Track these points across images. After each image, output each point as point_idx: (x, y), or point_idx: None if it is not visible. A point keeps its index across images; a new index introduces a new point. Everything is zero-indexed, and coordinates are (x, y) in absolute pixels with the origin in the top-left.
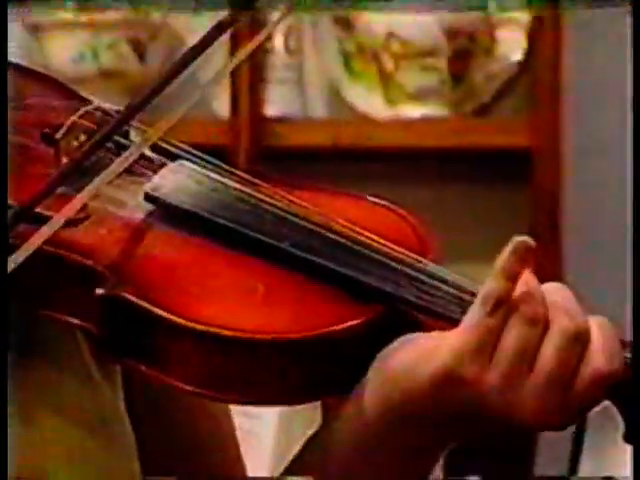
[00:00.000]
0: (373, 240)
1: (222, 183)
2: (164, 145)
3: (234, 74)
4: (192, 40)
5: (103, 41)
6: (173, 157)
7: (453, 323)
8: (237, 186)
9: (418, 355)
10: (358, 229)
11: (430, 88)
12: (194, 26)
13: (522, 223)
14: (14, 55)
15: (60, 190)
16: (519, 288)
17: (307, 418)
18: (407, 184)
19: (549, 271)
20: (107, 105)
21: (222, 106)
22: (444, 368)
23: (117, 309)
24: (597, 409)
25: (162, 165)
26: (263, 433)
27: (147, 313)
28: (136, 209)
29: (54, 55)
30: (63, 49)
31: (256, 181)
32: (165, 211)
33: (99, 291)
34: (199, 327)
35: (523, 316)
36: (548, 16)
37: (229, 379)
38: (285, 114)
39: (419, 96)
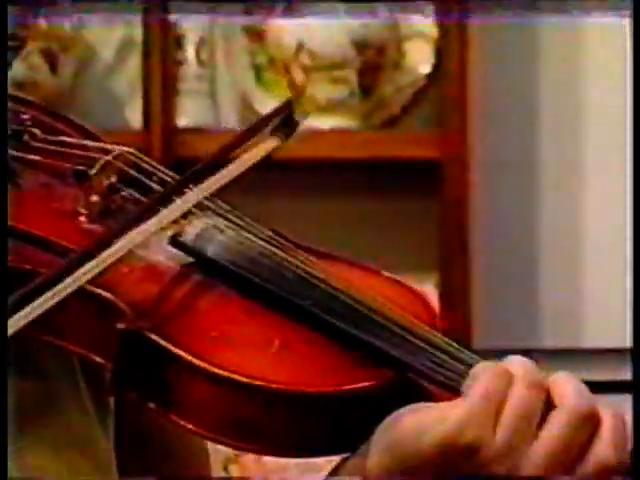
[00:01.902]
0: (389, 309)
1: (247, 237)
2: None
3: (146, 85)
4: (104, 52)
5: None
6: (200, 207)
7: (456, 393)
8: (262, 242)
9: (425, 422)
10: (376, 297)
11: (340, 100)
12: (106, 38)
13: (431, 232)
14: None
15: (93, 226)
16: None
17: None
18: (317, 195)
19: (457, 277)
20: (136, 152)
21: (135, 117)
22: (448, 437)
23: (135, 345)
24: None
25: (189, 213)
26: None
27: (164, 350)
28: (159, 252)
29: None
30: None
31: (281, 240)
32: (187, 257)
33: (120, 325)
34: (214, 369)
35: (523, 381)
36: (455, 30)
37: (239, 426)
38: (197, 125)
39: (329, 108)
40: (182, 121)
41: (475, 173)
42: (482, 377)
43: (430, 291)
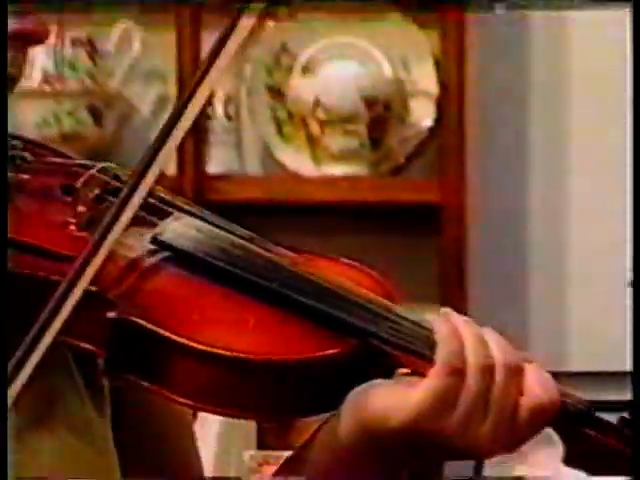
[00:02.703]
0: (349, 287)
1: (219, 233)
2: (167, 200)
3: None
4: (143, 108)
5: (64, 108)
6: (171, 211)
7: (415, 355)
8: (233, 237)
9: (392, 404)
10: (338, 278)
11: (351, 150)
12: (144, 95)
13: (432, 270)
14: None
15: (82, 234)
16: (468, 341)
17: (244, 440)
18: (330, 234)
19: (455, 309)
20: (114, 165)
21: (170, 165)
22: (411, 420)
23: (125, 331)
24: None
25: (166, 216)
26: (205, 453)
27: (151, 333)
28: (143, 251)
29: (20, 120)
30: (28, 115)
31: (251, 234)
32: (168, 253)
33: (110, 315)
34: (197, 346)
35: (476, 370)
36: (454, 88)
37: (222, 396)
38: (225, 172)
39: (342, 157)
40: (211, 168)
41: (471, 216)
42: (439, 359)
43: (431, 320)
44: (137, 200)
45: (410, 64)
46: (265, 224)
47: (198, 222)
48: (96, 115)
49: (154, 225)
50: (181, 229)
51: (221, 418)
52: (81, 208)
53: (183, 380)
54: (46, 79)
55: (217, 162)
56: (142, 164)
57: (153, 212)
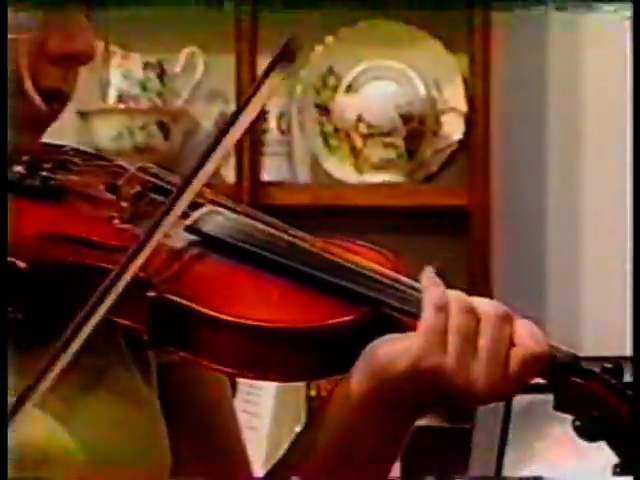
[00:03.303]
0: (361, 262)
1: (245, 220)
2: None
3: (238, 149)
4: (205, 124)
5: (137, 123)
6: (211, 202)
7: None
8: (258, 223)
9: (395, 352)
10: (350, 255)
11: (389, 160)
12: (207, 113)
13: (461, 267)
14: (68, 136)
15: (126, 226)
16: (450, 296)
17: (295, 415)
18: (370, 235)
19: None
20: (152, 165)
21: (229, 174)
22: (413, 363)
23: (163, 307)
24: (520, 407)
25: (197, 207)
26: (260, 427)
27: (187, 308)
28: (178, 238)
29: (98, 135)
30: (105, 130)
31: (274, 221)
32: (201, 239)
33: (150, 294)
34: (228, 318)
35: (458, 309)
36: (481, 105)
37: (250, 360)
38: (277, 180)
39: (381, 166)
40: (266, 176)
41: (496, 219)
42: (426, 314)
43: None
44: (185, 200)
45: (441, 84)
46: (313, 226)
47: (226, 211)
48: (165, 130)
49: (187, 215)
50: (212, 218)
51: (275, 396)
52: (124, 204)
53: (216, 349)
54: (121, 98)
55: (271, 171)
56: (192, 169)
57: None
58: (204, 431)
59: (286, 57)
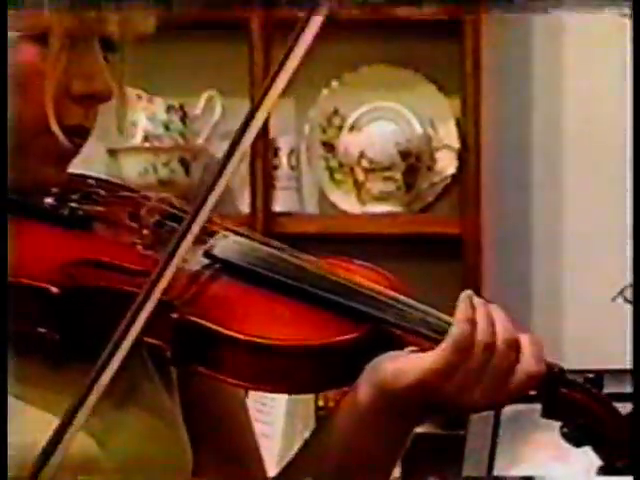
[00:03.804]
0: (363, 283)
1: (257, 246)
2: (213, 221)
3: (252, 182)
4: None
5: (160, 160)
6: (224, 229)
7: (420, 336)
8: (268, 248)
9: (403, 367)
10: (353, 276)
11: (389, 193)
12: (223, 150)
13: (455, 289)
14: (98, 171)
15: (148, 252)
16: (480, 323)
17: (305, 423)
18: (371, 261)
19: None
20: (170, 195)
21: (244, 205)
22: (420, 378)
23: (185, 328)
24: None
25: (213, 234)
26: (272, 435)
27: (207, 328)
28: (196, 263)
29: (126, 170)
30: (132, 166)
31: (282, 245)
32: (217, 263)
33: (173, 316)
34: (244, 337)
35: (483, 348)
36: (472, 143)
37: (263, 375)
38: (288, 211)
39: (381, 198)
40: (277, 208)
41: (486, 246)
42: (449, 343)
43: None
44: (198, 225)
45: (436, 123)
46: (320, 253)
47: (239, 238)
48: (186, 166)
49: (204, 242)
50: (227, 244)
51: (286, 405)
52: (145, 231)
53: (232, 365)
54: (146, 138)
55: (282, 203)
56: (201, 197)
57: (202, 231)
58: (222, 436)
59: None
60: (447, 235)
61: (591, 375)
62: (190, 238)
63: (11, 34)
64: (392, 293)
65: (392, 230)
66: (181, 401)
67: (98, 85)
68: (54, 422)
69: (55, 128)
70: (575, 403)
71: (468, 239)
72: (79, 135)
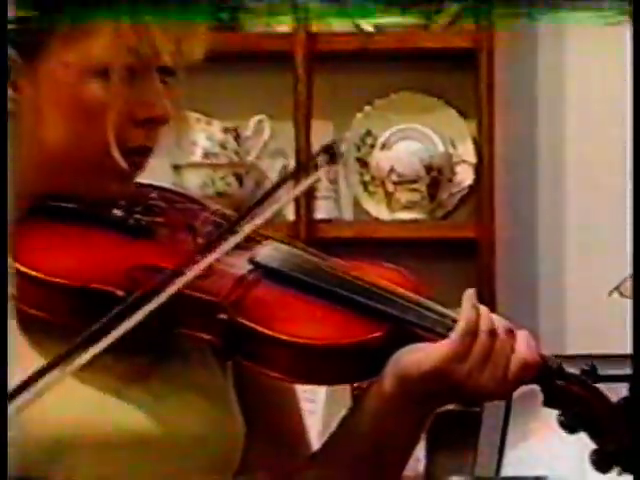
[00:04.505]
0: (388, 286)
1: (294, 253)
2: (260, 232)
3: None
4: (271, 174)
5: (218, 175)
6: (263, 238)
7: (438, 336)
8: (304, 255)
9: (420, 357)
10: (379, 279)
11: (415, 202)
12: (272, 167)
13: (471, 286)
14: (164, 183)
15: (200, 259)
16: (482, 316)
17: (343, 401)
18: (400, 261)
19: None
20: (222, 208)
21: (289, 213)
22: (436, 364)
23: (232, 327)
24: (521, 393)
25: (257, 244)
26: (317, 411)
27: (251, 328)
28: (241, 268)
29: (187, 183)
30: (193, 180)
31: (316, 252)
32: (261, 269)
33: (222, 316)
34: (284, 337)
35: (485, 334)
36: (487, 158)
37: (300, 370)
38: (327, 218)
39: (408, 207)
40: (318, 215)
41: (499, 249)
42: (458, 333)
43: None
44: (234, 235)
45: (456, 142)
46: (355, 254)
47: (280, 245)
48: (239, 180)
49: (250, 249)
50: (268, 252)
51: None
52: (200, 240)
53: (272, 360)
54: (205, 155)
55: (322, 211)
56: (242, 215)
57: (249, 240)
58: (273, 416)
59: (326, 152)
60: (464, 239)
61: (586, 367)
62: (225, 245)
63: (75, 70)
64: (413, 295)
65: (417, 234)
66: (235, 385)
67: (157, 110)
68: (108, 401)
69: (116, 154)
70: (571, 394)
71: (483, 242)
72: (142, 154)
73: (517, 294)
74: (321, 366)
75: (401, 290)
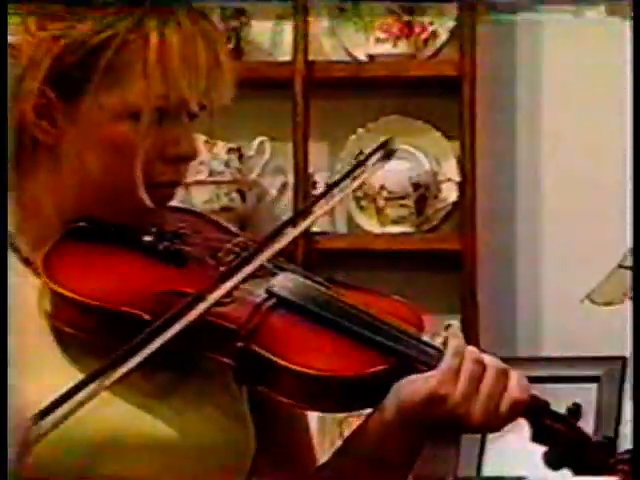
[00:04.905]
0: (394, 322)
1: (309, 285)
2: (276, 263)
3: (295, 209)
4: (272, 191)
5: (222, 191)
6: (278, 270)
7: (434, 368)
8: (317, 287)
9: (417, 385)
10: (386, 315)
11: (404, 217)
12: (272, 183)
13: (456, 293)
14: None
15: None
16: (466, 347)
17: (330, 434)
18: (390, 271)
19: (470, 316)
20: (246, 238)
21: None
22: (430, 390)
23: (247, 355)
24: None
25: (273, 274)
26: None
27: (266, 358)
28: (259, 297)
29: (194, 199)
30: (200, 196)
31: (329, 284)
32: (276, 299)
33: (238, 344)
34: (294, 367)
35: (470, 358)
36: (469, 177)
37: (306, 397)
38: (323, 230)
39: (397, 221)
40: (314, 228)
41: (480, 259)
42: (447, 357)
43: (456, 324)
44: (252, 268)
45: (441, 162)
46: (349, 265)
47: (293, 276)
48: (242, 196)
49: (267, 279)
50: (284, 282)
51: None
52: (222, 269)
53: (282, 386)
54: (211, 173)
55: (318, 224)
56: (257, 247)
57: (267, 270)
58: (285, 430)
59: (382, 150)
60: (449, 250)
61: (572, 406)
62: (243, 274)
63: (109, 112)
64: (416, 332)
65: (406, 246)
66: (249, 401)
67: (184, 148)
68: (135, 413)
69: (141, 192)
70: (557, 432)
71: (466, 253)
72: (171, 187)
73: (497, 300)
74: (325, 394)
75: (405, 326)
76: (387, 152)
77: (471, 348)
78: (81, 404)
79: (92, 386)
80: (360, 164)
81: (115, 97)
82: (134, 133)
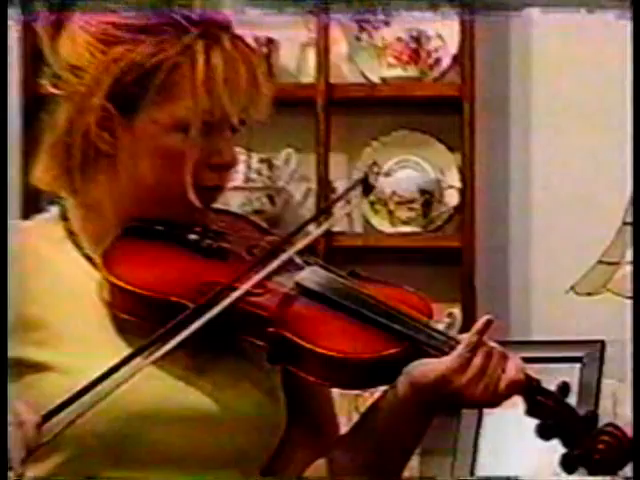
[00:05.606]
0: (406, 310)
1: (332, 278)
2: (304, 259)
3: (317, 210)
4: (297, 195)
5: (254, 196)
6: (306, 264)
7: (443, 353)
8: (341, 280)
9: (429, 369)
10: (399, 304)
11: (412, 218)
12: (298, 189)
13: (457, 284)
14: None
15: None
16: (480, 341)
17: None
18: (400, 266)
19: (469, 305)
20: (278, 237)
21: (311, 226)
22: (441, 374)
23: (278, 339)
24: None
25: (301, 268)
26: None
27: (294, 342)
28: (289, 289)
29: (230, 203)
30: (235, 200)
31: (349, 278)
32: (304, 290)
33: (270, 329)
34: (322, 351)
35: (482, 354)
36: (469, 184)
37: (328, 376)
38: (341, 230)
39: (407, 222)
40: (334, 228)
41: (478, 255)
42: (461, 348)
43: (457, 312)
44: (278, 261)
45: (444, 171)
46: (364, 260)
47: (318, 270)
48: (272, 200)
49: (295, 271)
50: (310, 276)
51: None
52: (256, 262)
53: (308, 366)
54: (245, 180)
55: (338, 225)
56: (283, 241)
57: (296, 266)
58: (313, 403)
59: (361, 185)
60: (451, 248)
61: (560, 384)
62: (272, 267)
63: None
64: (426, 319)
65: (413, 244)
66: (282, 378)
67: (227, 157)
68: (177, 386)
69: (191, 195)
70: (548, 407)
71: (466, 250)
72: (216, 191)
73: (492, 291)
74: (346, 374)
75: (416, 314)
76: (365, 186)
77: (485, 342)
78: (129, 374)
79: (137, 360)
80: (350, 189)
81: (166, 112)
82: (183, 144)
